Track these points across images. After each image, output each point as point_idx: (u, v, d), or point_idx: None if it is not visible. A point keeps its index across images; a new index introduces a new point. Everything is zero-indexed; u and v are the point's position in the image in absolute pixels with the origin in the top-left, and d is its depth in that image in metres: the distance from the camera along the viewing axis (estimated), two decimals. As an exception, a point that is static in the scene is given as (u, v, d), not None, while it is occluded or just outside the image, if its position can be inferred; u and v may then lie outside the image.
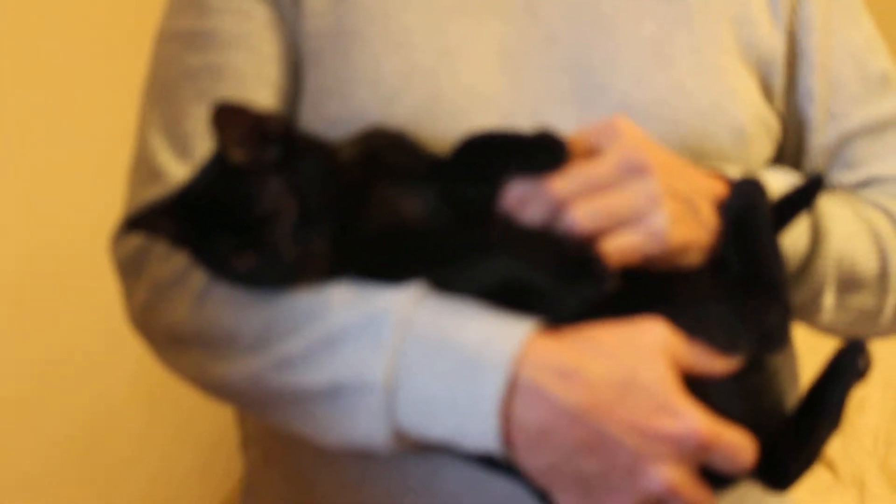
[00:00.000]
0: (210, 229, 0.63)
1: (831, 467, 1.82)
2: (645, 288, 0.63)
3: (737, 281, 0.64)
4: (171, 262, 0.70)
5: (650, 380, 0.59)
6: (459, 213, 0.64)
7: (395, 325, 0.61)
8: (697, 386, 0.61)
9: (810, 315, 0.74)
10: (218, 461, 2.09)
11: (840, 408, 0.64)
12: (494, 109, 0.72)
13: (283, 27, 0.76)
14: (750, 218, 0.65)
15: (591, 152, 0.64)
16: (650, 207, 0.62)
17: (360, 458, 0.70)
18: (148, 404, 1.90)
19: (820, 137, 0.80)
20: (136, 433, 1.87)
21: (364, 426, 0.62)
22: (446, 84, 0.72)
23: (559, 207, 0.62)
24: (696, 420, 0.59)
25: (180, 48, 0.76)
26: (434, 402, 0.60)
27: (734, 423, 0.60)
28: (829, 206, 0.74)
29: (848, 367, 0.65)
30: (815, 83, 0.79)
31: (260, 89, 0.75)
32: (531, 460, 0.60)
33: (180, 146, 0.73)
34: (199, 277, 0.68)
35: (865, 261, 0.73)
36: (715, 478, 0.61)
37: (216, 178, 0.63)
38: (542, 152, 0.63)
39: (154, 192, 0.71)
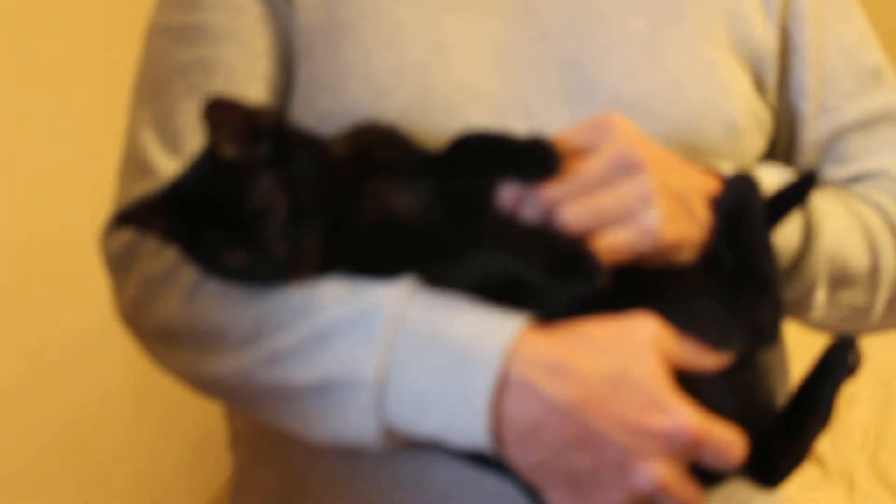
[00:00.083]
0: (201, 225, 0.62)
1: (821, 463, 1.83)
2: (637, 284, 0.63)
3: (729, 277, 0.64)
4: (161, 257, 0.70)
5: (641, 376, 0.59)
6: (451, 209, 0.64)
7: (388, 320, 0.61)
8: (689, 382, 0.61)
9: (802, 311, 0.74)
10: (206, 458, 2.08)
11: (830, 404, 0.65)
12: (486, 104, 0.72)
13: (275, 21, 0.76)
14: (743, 214, 0.65)
15: (585, 148, 0.64)
16: (643, 205, 0.62)
17: (350, 455, 0.70)
18: (135, 401, 1.89)
19: (812, 132, 0.80)
20: (123, 430, 1.86)
21: (354, 422, 0.62)
22: (438, 78, 0.72)
23: (551, 209, 0.62)
24: (686, 416, 0.59)
25: (171, 43, 0.76)
26: (425, 398, 0.60)
27: (725, 419, 0.60)
28: (822, 202, 0.74)
29: (838, 363, 0.65)
30: (807, 78, 0.79)
31: (251, 84, 0.74)
32: (521, 456, 0.60)
33: (171, 141, 0.73)
34: (189, 273, 0.68)
35: (857, 257, 0.74)
36: (705, 474, 0.61)
37: (207, 173, 0.63)
38: (535, 162, 0.63)
39: (144, 188, 0.70)
